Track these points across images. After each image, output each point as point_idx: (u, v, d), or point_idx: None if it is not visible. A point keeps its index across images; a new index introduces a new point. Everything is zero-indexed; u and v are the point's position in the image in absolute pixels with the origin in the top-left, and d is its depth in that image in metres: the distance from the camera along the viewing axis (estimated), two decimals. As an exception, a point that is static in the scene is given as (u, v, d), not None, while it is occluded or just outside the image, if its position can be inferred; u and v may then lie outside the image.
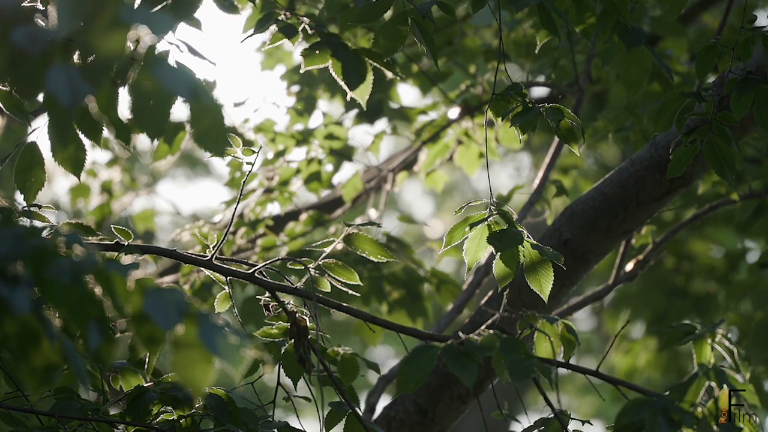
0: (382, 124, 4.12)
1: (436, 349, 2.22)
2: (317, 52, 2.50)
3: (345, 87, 2.50)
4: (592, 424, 2.37)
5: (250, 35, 2.59)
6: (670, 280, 5.10)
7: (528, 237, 2.35)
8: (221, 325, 1.47)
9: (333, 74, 2.51)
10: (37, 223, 2.26)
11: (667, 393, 2.36)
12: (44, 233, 2.13)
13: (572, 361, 2.43)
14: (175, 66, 1.46)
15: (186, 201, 12.22)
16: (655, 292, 5.13)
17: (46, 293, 1.37)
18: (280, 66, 4.19)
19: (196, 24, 2.55)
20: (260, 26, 2.57)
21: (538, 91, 4.42)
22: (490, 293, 2.90)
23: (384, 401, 3.13)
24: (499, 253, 2.32)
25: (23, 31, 1.37)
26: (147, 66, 1.44)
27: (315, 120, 3.95)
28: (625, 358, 5.37)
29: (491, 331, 2.27)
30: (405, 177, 4.01)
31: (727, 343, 2.48)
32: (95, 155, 4.74)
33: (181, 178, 9.60)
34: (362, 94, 2.51)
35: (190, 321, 1.44)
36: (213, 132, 1.45)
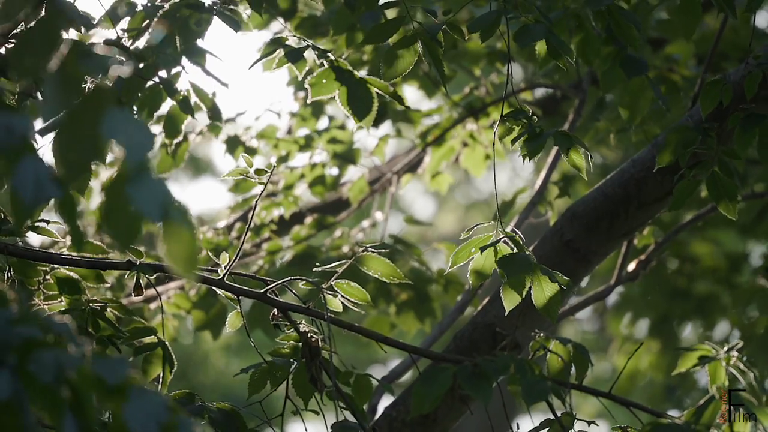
0: (386, 127, 4.12)
1: (450, 371, 2.22)
2: (324, 81, 2.51)
3: (352, 118, 2.51)
4: (597, 425, 2.38)
5: (259, 60, 2.61)
6: (672, 282, 5.08)
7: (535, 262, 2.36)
8: None
9: (339, 104, 2.52)
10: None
11: (683, 414, 2.38)
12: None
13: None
14: (151, 182, 1.40)
15: (188, 201, 12.19)
16: (657, 293, 5.10)
17: (26, 385, 1.36)
18: (281, 68, 4.17)
19: (200, 58, 2.57)
20: (267, 52, 2.59)
21: (540, 90, 4.41)
22: (492, 294, 2.91)
23: (385, 401, 3.14)
24: (506, 278, 2.33)
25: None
26: (119, 179, 1.39)
27: (321, 124, 3.95)
28: (626, 360, 5.33)
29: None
30: (409, 179, 4.02)
31: (742, 366, 2.50)
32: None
33: (183, 179, 9.59)
34: (368, 123, 2.52)
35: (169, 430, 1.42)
36: (183, 254, 1.40)
